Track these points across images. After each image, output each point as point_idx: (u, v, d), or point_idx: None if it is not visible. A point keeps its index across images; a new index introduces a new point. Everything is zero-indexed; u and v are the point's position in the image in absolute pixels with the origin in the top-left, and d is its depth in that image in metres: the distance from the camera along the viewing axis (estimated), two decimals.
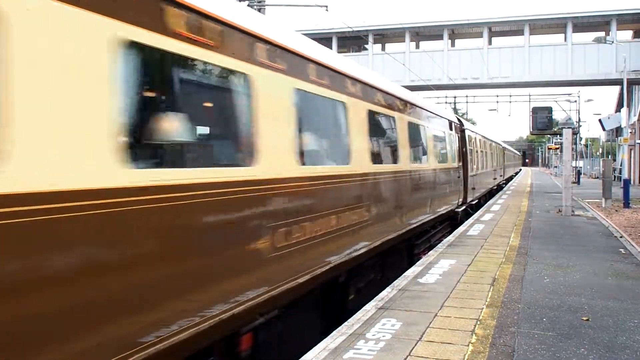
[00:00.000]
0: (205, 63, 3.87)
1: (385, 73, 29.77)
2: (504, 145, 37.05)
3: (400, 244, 9.15)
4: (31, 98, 2.52)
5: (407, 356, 4.60)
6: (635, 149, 39.18)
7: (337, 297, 6.67)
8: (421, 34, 39.76)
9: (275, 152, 4.66)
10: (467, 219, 15.15)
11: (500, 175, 31.70)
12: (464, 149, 15.31)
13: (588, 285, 7.25)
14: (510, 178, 45.92)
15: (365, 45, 40.36)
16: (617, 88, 42.20)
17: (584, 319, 5.74)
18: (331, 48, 33.95)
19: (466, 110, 69.10)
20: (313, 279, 5.31)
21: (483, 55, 35.67)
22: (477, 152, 18.63)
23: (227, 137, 4.47)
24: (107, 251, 2.93)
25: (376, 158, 7.52)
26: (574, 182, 25.34)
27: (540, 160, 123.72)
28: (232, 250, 4.05)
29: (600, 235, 12.39)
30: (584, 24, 36.10)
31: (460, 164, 14.11)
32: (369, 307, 6.14)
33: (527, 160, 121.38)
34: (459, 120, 15.58)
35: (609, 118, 40.96)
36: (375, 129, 7.67)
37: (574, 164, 33.52)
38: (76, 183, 2.73)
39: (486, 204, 20.83)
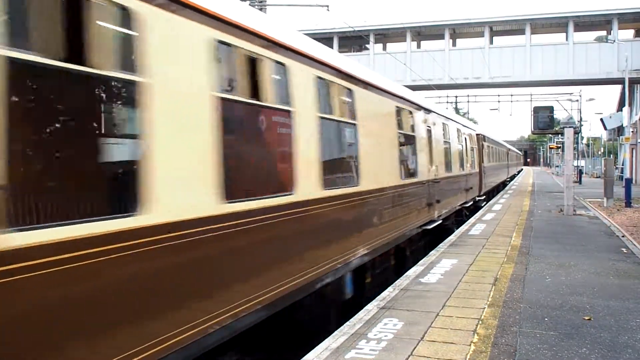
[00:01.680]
0: None
1: (386, 73, 29.77)
2: (486, 135, 23.20)
3: None
4: None
5: (409, 356, 4.60)
6: (637, 148, 39.12)
7: None
8: (422, 34, 39.75)
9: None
10: None
11: (471, 188, 17.81)
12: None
13: (590, 285, 7.24)
14: (504, 184, 34.64)
15: (367, 45, 40.35)
16: (618, 87, 42.15)
17: (586, 318, 5.74)
18: (332, 48, 33.92)
19: (467, 109, 68.92)
20: None
21: (484, 54, 35.62)
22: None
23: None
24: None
25: None
26: (575, 182, 25.33)
27: (541, 160, 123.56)
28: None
29: (602, 234, 12.37)
30: (585, 23, 36.06)
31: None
32: (371, 307, 6.14)
33: (528, 160, 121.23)
34: None
35: (610, 117, 40.94)
36: None
37: (575, 163, 33.46)
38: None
39: (487, 204, 20.74)
